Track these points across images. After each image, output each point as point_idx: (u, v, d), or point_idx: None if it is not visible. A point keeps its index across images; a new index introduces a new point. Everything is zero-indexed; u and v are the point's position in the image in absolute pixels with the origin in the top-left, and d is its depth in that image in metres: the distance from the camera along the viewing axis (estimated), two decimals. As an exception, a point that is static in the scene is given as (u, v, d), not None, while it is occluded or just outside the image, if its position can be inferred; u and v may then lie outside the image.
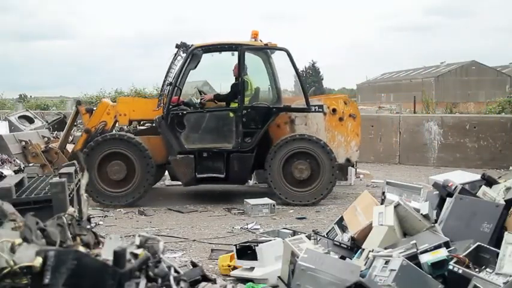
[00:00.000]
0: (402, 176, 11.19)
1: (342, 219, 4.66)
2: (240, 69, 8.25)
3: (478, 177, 4.76)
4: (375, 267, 3.37)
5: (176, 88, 8.24)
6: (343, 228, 4.59)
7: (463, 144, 12.72)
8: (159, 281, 2.27)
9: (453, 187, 4.29)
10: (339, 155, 8.53)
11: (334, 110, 8.64)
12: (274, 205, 7.58)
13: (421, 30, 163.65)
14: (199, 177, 8.26)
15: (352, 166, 9.38)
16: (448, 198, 4.25)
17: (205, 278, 2.60)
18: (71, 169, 3.53)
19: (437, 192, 4.47)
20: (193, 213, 7.72)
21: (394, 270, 3.24)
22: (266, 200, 7.68)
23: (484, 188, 4.35)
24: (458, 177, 4.76)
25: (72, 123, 9.35)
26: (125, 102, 9.10)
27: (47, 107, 25.99)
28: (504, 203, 3.94)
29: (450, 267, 3.34)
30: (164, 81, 8.71)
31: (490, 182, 4.57)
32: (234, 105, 8.38)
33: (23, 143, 8.94)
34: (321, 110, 8.58)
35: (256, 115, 8.35)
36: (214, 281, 2.64)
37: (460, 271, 3.29)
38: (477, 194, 4.27)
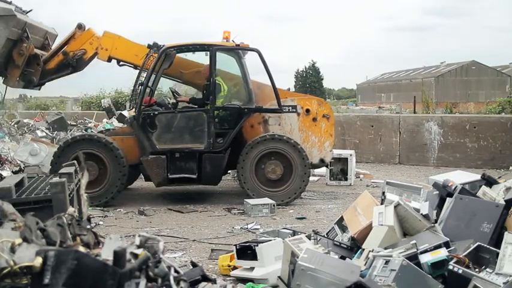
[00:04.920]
0: (402, 176, 11.19)
1: (342, 219, 4.66)
2: (212, 70, 8.23)
3: (478, 177, 4.76)
4: (375, 267, 3.37)
5: (148, 88, 8.22)
6: (343, 228, 4.59)
7: (463, 144, 12.72)
8: (159, 281, 2.27)
9: (453, 187, 4.28)
10: (313, 155, 8.55)
11: (307, 111, 8.65)
12: (274, 205, 7.57)
13: (421, 30, 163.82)
14: (171, 178, 8.22)
15: (327, 166, 9.34)
16: (448, 198, 4.24)
17: (205, 278, 2.59)
18: (71, 169, 3.53)
19: (437, 192, 4.47)
20: (193, 213, 7.72)
21: (394, 270, 3.24)
22: (266, 200, 7.68)
23: (484, 188, 4.34)
24: (458, 177, 4.76)
25: (64, 44, 9.02)
26: (111, 37, 8.99)
27: (47, 107, 25.99)
28: (504, 203, 3.94)
29: (450, 267, 3.34)
30: (136, 82, 8.70)
31: (490, 182, 4.57)
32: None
33: (25, 34, 8.51)
34: (294, 110, 8.60)
35: (228, 116, 8.37)
36: (214, 281, 2.64)
37: (460, 271, 3.29)
38: (477, 194, 4.27)
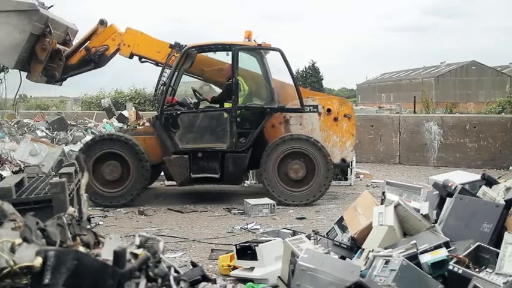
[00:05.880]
0: (402, 176, 11.19)
1: (342, 219, 4.66)
2: (234, 70, 8.24)
3: (478, 177, 4.75)
4: (375, 267, 3.37)
5: (170, 88, 8.26)
6: (343, 228, 4.59)
7: (463, 144, 12.71)
8: (159, 281, 2.27)
9: (453, 187, 4.28)
10: (334, 155, 8.53)
11: (329, 110, 8.64)
12: (274, 205, 7.57)
13: (421, 30, 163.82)
14: (194, 177, 8.25)
15: (348, 166, 9.33)
16: (448, 198, 4.24)
17: (205, 278, 2.59)
18: (71, 169, 3.53)
19: (437, 192, 4.47)
20: (193, 213, 7.72)
21: (394, 270, 3.24)
22: (266, 200, 7.68)
23: (484, 188, 4.34)
24: (458, 177, 4.75)
25: (86, 40, 9.09)
26: (133, 34, 8.99)
27: (47, 107, 25.99)
28: (504, 203, 3.94)
29: (450, 267, 3.34)
30: (158, 82, 8.72)
31: (490, 182, 4.56)
32: (228, 105, 8.39)
33: (48, 29, 8.48)
34: (315, 110, 8.59)
35: (250, 115, 8.37)
36: (214, 281, 2.64)
37: (460, 271, 3.29)
38: (477, 194, 4.26)
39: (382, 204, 4.31)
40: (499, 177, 5.09)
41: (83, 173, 3.61)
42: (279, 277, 3.84)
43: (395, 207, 3.98)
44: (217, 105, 8.65)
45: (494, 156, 12.35)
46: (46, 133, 12.76)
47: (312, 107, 8.56)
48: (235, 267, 4.70)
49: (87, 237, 2.60)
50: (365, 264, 3.54)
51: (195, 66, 8.88)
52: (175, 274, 2.36)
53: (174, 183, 9.51)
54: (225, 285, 2.71)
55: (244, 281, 4.39)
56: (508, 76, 57.21)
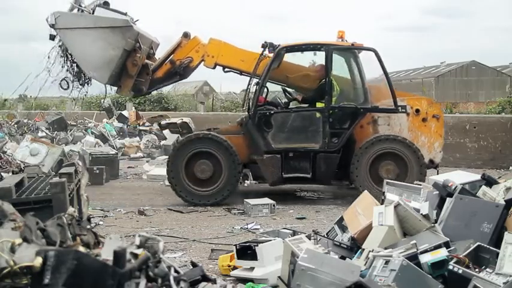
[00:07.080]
0: (402, 176, 11.15)
1: (342, 219, 4.66)
2: (328, 70, 8.25)
3: (478, 177, 4.74)
4: (375, 267, 3.37)
5: (263, 87, 8.29)
6: (343, 228, 4.59)
7: (463, 144, 12.71)
8: (159, 281, 2.27)
9: (453, 187, 4.28)
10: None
11: (417, 111, 8.57)
12: (274, 205, 7.57)
13: (420, 30, 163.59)
14: (285, 177, 8.28)
15: (435, 168, 8.94)
16: (448, 198, 4.24)
17: (205, 278, 2.60)
18: (71, 169, 3.53)
19: (437, 192, 4.46)
20: (193, 213, 7.72)
21: (394, 270, 3.24)
22: (266, 200, 7.67)
23: (484, 188, 4.33)
24: (458, 177, 4.75)
25: (171, 53, 9.14)
26: (216, 44, 9.00)
27: (47, 107, 25.98)
28: (504, 203, 3.93)
29: (450, 267, 3.33)
30: (249, 81, 8.73)
31: (490, 182, 4.55)
32: (320, 105, 8.37)
33: (138, 44, 8.57)
34: (404, 110, 8.50)
35: (343, 115, 8.33)
36: (214, 281, 2.64)
37: (460, 271, 3.29)
38: (477, 194, 4.26)
39: (382, 204, 4.31)
40: (499, 177, 5.09)
41: (83, 173, 3.61)
42: (279, 277, 3.84)
43: (395, 207, 3.98)
44: (307, 105, 8.67)
45: (494, 156, 12.35)
46: (46, 133, 12.79)
47: (400, 107, 8.47)
48: (235, 267, 4.70)
49: (87, 237, 2.60)
50: (365, 264, 3.54)
51: (279, 72, 8.79)
52: (175, 274, 2.37)
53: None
54: (225, 285, 2.71)
55: (244, 281, 4.40)
56: (508, 76, 57.16)
